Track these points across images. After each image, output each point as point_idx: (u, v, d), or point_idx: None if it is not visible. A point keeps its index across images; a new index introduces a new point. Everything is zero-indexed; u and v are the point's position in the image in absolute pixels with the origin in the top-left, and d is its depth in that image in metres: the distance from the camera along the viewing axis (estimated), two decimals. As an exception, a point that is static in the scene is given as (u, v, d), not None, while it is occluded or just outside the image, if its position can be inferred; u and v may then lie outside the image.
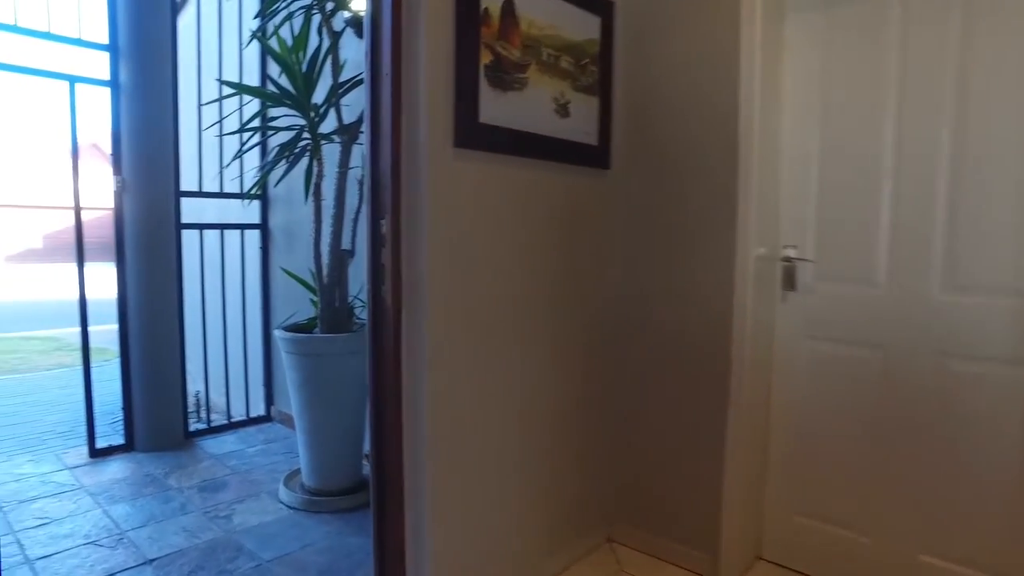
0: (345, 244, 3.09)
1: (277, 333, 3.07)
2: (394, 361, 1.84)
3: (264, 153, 4.22)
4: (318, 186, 2.98)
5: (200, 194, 4.00)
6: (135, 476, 3.46)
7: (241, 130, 3.21)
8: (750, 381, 2.25)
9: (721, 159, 2.21)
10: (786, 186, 2.32)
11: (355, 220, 3.13)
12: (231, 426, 4.25)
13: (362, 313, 3.26)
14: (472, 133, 1.88)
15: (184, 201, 3.84)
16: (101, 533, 2.84)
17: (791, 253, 2.31)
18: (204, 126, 3.91)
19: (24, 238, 21.05)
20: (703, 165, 2.27)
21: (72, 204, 3.50)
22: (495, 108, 1.94)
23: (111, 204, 3.65)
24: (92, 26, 3.65)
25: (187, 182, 3.92)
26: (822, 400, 2.27)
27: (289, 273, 3.41)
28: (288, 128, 3.04)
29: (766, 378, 2.37)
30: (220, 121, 3.68)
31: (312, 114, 2.95)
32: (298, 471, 3.29)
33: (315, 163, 2.98)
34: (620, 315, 2.53)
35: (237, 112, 3.93)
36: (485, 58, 1.90)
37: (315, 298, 3.20)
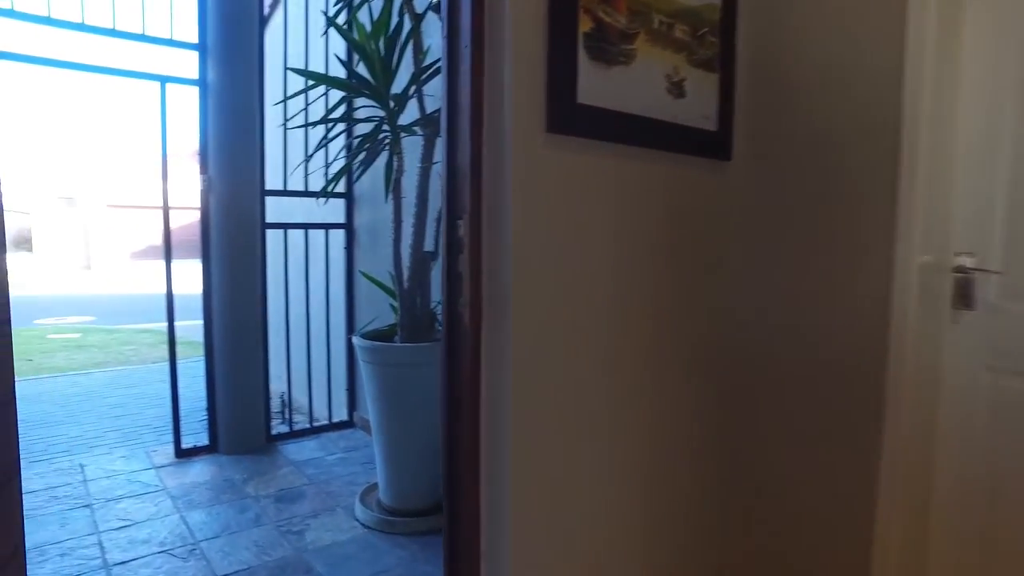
0: (428, 246, 2.85)
1: (355, 340, 2.88)
2: (471, 389, 1.55)
3: (349, 150, 4.08)
4: (398, 182, 2.76)
5: (284, 193, 3.91)
6: (215, 480, 3.39)
7: (318, 123, 3.04)
8: (910, 424, 1.80)
9: (876, 145, 1.77)
10: (962, 178, 1.84)
11: (439, 220, 2.89)
12: (313, 431, 4.14)
13: (444, 320, 3.02)
14: (568, 116, 1.56)
15: (275, 201, 3.76)
16: (176, 541, 2.75)
17: (966, 262, 1.83)
18: (287, 122, 3.81)
19: (147, 236, 22.72)
20: (851, 153, 1.84)
21: (162, 204, 3.48)
22: (596, 86, 1.61)
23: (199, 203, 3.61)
24: (183, 27, 3.63)
25: (273, 181, 3.84)
26: (1012, 452, 1.78)
27: (368, 277, 3.22)
28: (367, 120, 2.83)
29: (931, 420, 1.90)
30: (304, 110, 3.56)
31: (392, 104, 2.73)
32: (375, 486, 3.10)
33: (395, 157, 2.75)
34: (742, 340, 2.11)
35: (322, 108, 3.80)
36: (584, 25, 1.58)
37: (395, 303, 2.99)
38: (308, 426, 4.16)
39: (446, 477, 1.67)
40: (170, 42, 3.50)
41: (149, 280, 16.76)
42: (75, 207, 22.37)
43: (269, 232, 3.78)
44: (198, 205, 3.56)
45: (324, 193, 3.98)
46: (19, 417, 4.87)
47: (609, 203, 1.71)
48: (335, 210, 4.18)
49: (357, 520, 2.94)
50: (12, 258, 13.77)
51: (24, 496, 3.16)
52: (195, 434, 4.22)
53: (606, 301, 1.73)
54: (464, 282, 1.55)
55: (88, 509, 3.03)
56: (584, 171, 1.64)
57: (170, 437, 3.99)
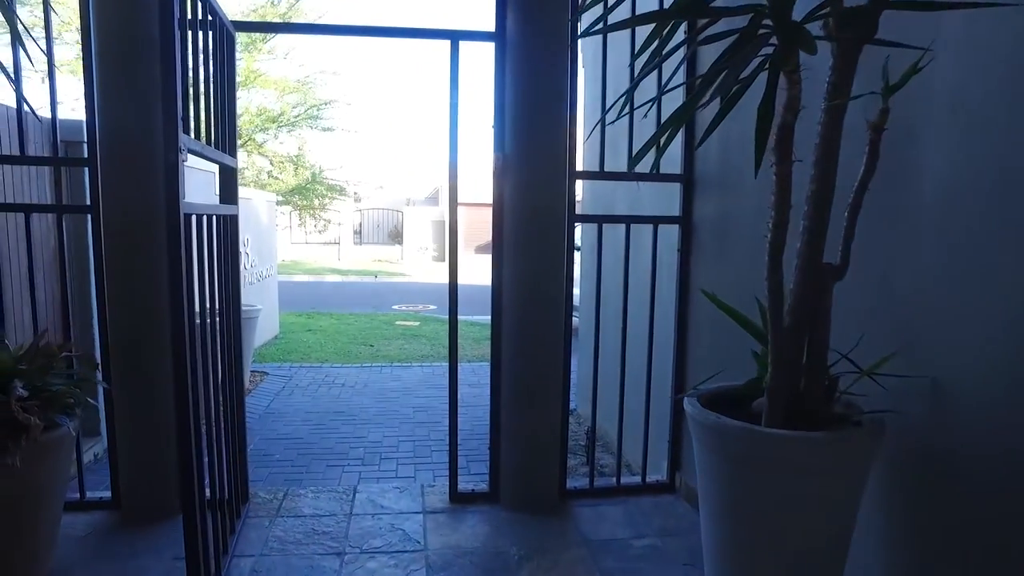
0: (829, 254, 1.55)
1: (689, 407, 1.72)
2: None
3: (688, 128, 2.92)
4: (784, 140, 1.50)
5: (600, 175, 2.94)
6: (485, 549, 2.58)
7: (650, 69, 1.90)
8: None
9: None
10: None
11: (854, 207, 1.55)
12: (619, 491, 3.11)
13: (857, 390, 1.67)
14: None
15: (589, 187, 2.82)
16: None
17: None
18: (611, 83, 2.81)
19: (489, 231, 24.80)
20: None
21: (448, 183, 2.79)
22: None
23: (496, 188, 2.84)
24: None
25: (587, 160, 2.90)
26: None
27: (716, 301, 1.99)
28: (727, 34, 1.62)
29: None
30: (631, 65, 2.51)
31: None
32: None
33: (780, 92, 1.49)
34: None
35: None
36: None
37: (761, 351, 1.75)
38: (614, 483, 3.14)
39: None
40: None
41: (486, 273, 17.98)
42: (437, 205, 25.62)
43: (579, 226, 2.85)
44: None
45: (650, 175, 2.91)
46: (342, 409, 4.63)
47: None
48: (669, 200, 3.08)
49: None
50: (388, 250, 15.93)
51: (293, 520, 2.80)
52: (477, 469, 3.56)
53: None
54: None
55: (338, 559, 2.45)
56: None
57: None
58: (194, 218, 2.06)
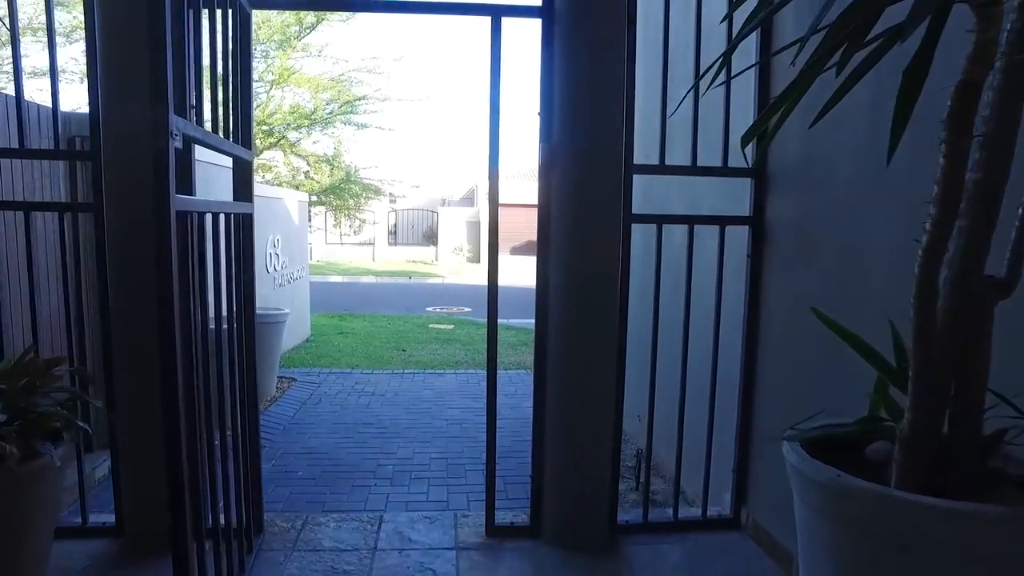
0: (993, 264, 1.17)
1: (792, 454, 1.35)
2: None
3: (761, 100, 2.55)
4: (965, 106, 1.12)
5: (661, 169, 2.58)
6: (526, 600, 2.24)
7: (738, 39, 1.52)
8: None
9: None
10: None
11: None
12: (677, 527, 2.74)
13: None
14: None
15: (644, 184, 2.47)
16: None
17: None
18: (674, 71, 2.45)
19: (526, 232, 24.54)
20: None
21: (488, 176, 2.47)
22: None
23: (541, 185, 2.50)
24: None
25: (645, 152, 2.55)
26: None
27: (831, 323, 1.59)
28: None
29: None
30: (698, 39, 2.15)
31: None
32: None
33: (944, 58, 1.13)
34: None
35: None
36: None
37: (878, 386, 1.37)
38: (671, 516, 2.78)
39: None
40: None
41: (521, 275, 17.67)
42: (472, 205, 25.40)
43: (636, 227, 2.49)
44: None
45: (717, 170, 2.55)
46: (372, 420, 4.88)
47: None
48: (731, 196, 2.70)
49: None
50: (422, 251, 15.76)
51: (311, 556, 2.51)
52: (515, 493, 3.23)
53: None
54: None
55: (360, 608, 2.15)
56: None
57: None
58: (195, 217, 1.78)
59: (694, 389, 2.69)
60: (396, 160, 29.37)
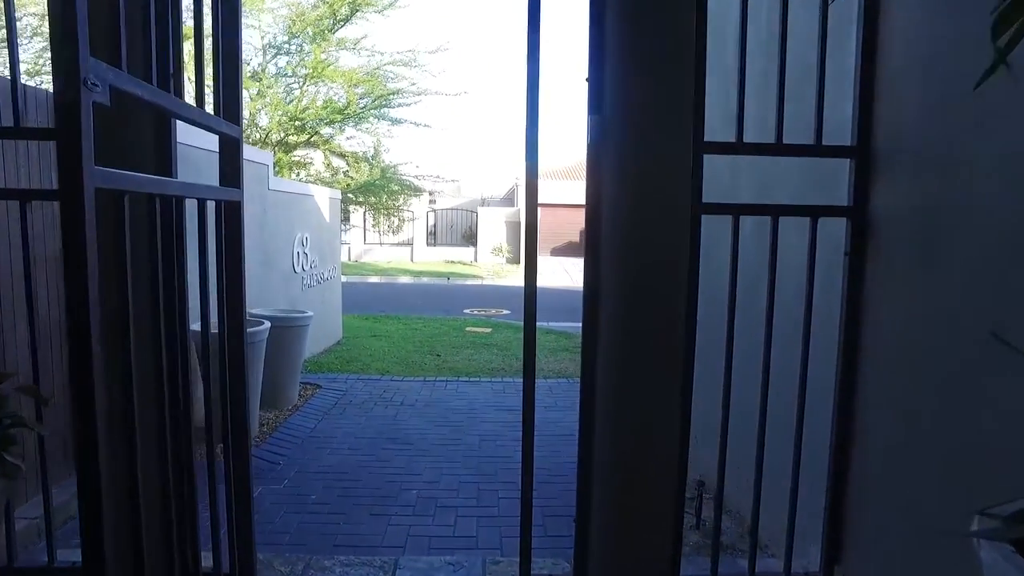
0: None
1: (993, 555, 0.86)
2: None
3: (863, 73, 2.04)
4: None
5: (739, 147, 2.09)
6: None
7: None
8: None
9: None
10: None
11: None
12: (751, 585, 2.24)
13: None
14: None
15: (713, 166, 1.98)
16: None
17: None
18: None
19: (567, 232, 23.97)
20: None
21: (526, 164, 2.02)
22: None
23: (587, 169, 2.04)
24: None
25: (719, 127, 2.06)
26: None
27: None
28: None
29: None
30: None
31: None
32: None
33: None
34: None
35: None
36: None
37: None
38: (744, 572, 2.28)
39: None
40: None
41: (562, 276, 17.18)
42: (512, 205, 24.98)
43: (706, 219, 2.00)
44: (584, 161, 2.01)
45: (809, 149, 2.04)
46: (397, 435, 4.38)
47: None
48: (815, 182, 2.19)
49: None
50: (461, 251, 15.41)
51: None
52: (555, 529, 2.77)
53: None
54: None
55: None
56: None
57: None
58: (170, 203, 1.38)
59: (779, 420, 2.18)
60: (434, 158, 29.08)
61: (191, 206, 1.78)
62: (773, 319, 2.14)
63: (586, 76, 2.05)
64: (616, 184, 1.99)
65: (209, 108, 1.85)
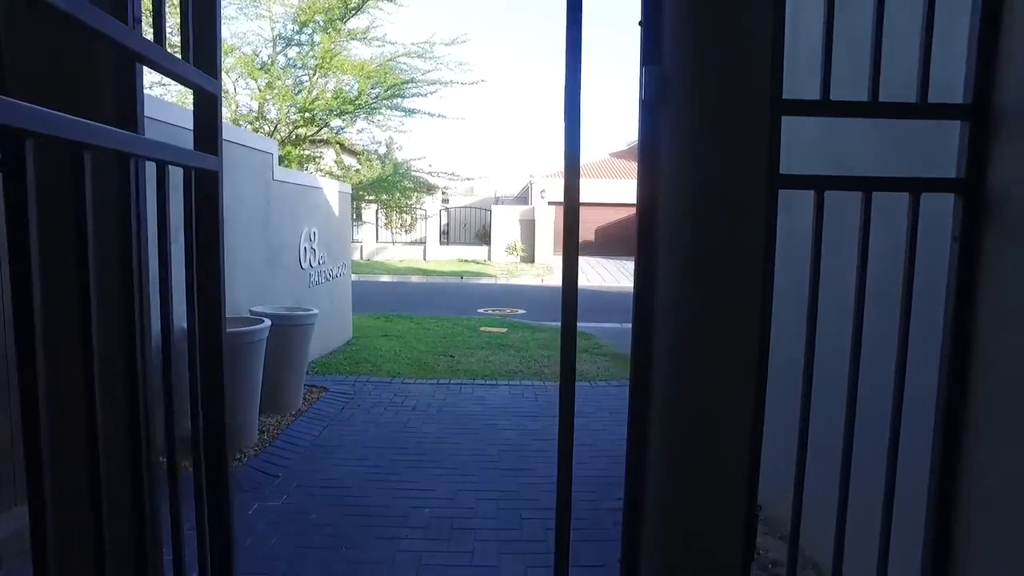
0: None
1: None
2: None
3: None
4: None
5: (826, 106, 1.71)
6: None
7: None
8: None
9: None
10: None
11: None
12: (829, 638, 1.85)
13: None
14: None
15: (792, 131, 1.60)
16: None
17: None
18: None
19: (580, 231, 23.46)
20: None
21: (565, 153, 1.65)
22: None
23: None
24: None
25: (803, 82, 1.69)
26: None
27: None
28: None
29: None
30: None
31: None
32: None
33: None
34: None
35: None
36: None
37: None
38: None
39: None
40: None
41: (579, 276, 16.72)
42: (527, 203, 24.58)
43: (783, 194, 1.63)
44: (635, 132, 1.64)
45: (913, 108, 1.66)
46: (408, 443, 4.03)
47: None
48: (904, 150, 1.81)
49: None
50: (474, 250, 15.11)
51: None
52: (587, 557, 2.40)
53: None
54: None
55: None
56: None
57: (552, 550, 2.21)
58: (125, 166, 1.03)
59: (867, 433, 1.80)
60: (448, 153, 28.74)
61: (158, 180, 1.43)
62: (863, 317, 1.75)
63: (639, 20, 1.69)
64: (678, 150, 1.61)
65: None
